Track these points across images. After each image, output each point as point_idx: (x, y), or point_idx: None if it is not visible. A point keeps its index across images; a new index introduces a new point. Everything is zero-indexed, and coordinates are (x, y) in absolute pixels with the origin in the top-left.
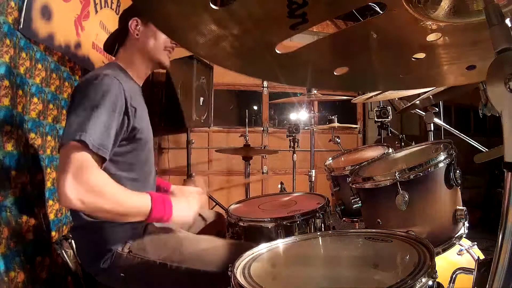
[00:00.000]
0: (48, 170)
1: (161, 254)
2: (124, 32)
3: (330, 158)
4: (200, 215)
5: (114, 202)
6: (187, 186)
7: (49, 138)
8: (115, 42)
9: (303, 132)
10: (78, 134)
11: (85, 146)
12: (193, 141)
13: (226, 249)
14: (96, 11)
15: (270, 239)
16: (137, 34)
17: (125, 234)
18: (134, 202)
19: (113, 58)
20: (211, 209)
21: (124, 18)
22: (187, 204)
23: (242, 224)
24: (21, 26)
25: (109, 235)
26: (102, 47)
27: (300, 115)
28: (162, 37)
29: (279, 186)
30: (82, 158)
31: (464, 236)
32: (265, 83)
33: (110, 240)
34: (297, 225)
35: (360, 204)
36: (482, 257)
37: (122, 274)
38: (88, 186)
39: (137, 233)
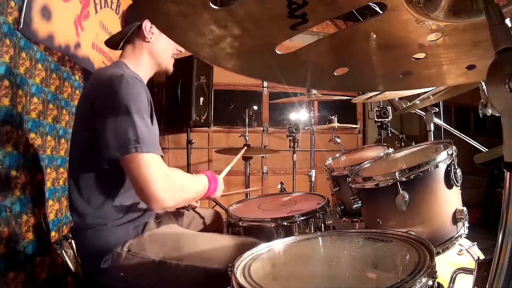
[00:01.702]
0: (48, 170)
1: (160, 252)
2: (136, 32)
3: (330, 158)
4: (198, 214)
5: (191, 191)
6: None
7: (49, 138)
8: (121, 40)
9: (303, 132)
10: (138, 146)
11: (148, 153)
12: (193, 141)
13: (224, 244)
14: (96, 11)
15: (270, 239)
16: (150, 38)
17: (125, 234)
18: (200, 187)
19: (113, 59)
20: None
21: (137, 17)
22: (221, 183)
23: (242, 224)
24: (21, 26)
25: (109, 235)
26: (102, 47)
27: (300, 115)
28: (172, 45)
29: (279, 186)
30: (155, 164)
31: (464, 236)
32: (265, 83)
33: (110, 240)
34: (297, 225)
35: (360, 204)
36: (482, 257)
37: (122, 274)
38: (173, 185)
39: (137, 232)
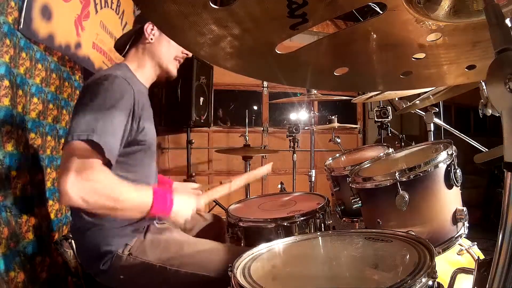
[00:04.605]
0: (48, 170)
1: (161, 257)
2: (139, 34)
3: (330, 158)
4: (200, 215)
5: (116, 200)
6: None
7: (49, 138)
8: (126, 43)
9: (303, 132)
10: (86, 134)
11: (92, 146)
12: (193, 141)
13: (226, 253)
14: (96, 11)
15: (270, 239)
16: (151, 39)
17: (126, 236)
18: (135, 200)
19: (114, 59)
20: (211, 209)
21: (140, 20)
22: (187, 201)
23: (242, 225)
24: (21, 26)
25: (109, 236)
26: (102, 47)
27: (300, 115)
28: (174, 46)
29: (279, 186)
30: (88, 156)
31: (464, 236)
32: (265, 83)
33: (110, 242)
34: (297, 225)
35: (360, 204)
36: (482, 257)
37: (121, 276)
38: (91, 185)
39: (138, 235)
